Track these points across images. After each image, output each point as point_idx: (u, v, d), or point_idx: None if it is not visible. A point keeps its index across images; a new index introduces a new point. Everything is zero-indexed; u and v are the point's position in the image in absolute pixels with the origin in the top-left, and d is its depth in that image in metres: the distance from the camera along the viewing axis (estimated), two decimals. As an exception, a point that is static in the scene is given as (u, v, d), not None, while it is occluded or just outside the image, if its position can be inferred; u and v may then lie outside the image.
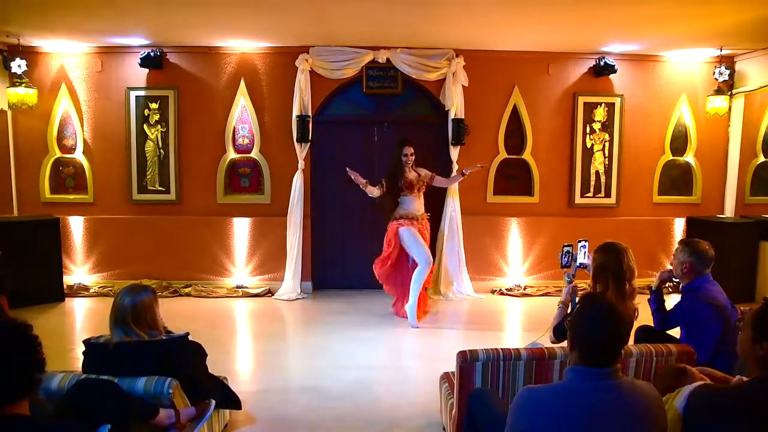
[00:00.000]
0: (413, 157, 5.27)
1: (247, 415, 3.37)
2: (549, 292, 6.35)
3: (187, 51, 6.19)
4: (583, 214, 6.54)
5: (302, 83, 6.05)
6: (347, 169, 5.14)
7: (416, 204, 5.30)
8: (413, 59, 6.09)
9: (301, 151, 6.16)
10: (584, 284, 3.43)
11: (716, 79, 6.15)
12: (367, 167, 6.18)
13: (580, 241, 3.28)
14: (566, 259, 3.25)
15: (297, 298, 6.15)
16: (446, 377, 3.17)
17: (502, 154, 6.43)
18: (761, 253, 6.09)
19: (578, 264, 3.25)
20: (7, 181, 6.16)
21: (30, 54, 5.96)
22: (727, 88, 6.24)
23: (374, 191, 5.22)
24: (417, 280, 5.17)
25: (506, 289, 6.43)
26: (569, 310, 3.09)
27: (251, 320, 5.65)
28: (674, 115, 6.53)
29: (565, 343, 2.34)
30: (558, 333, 3.03)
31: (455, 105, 6.11)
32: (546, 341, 3.23)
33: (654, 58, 6.42)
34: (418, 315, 5.27)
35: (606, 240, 3.11)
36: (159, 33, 5.67)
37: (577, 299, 3.06)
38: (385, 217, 5.37)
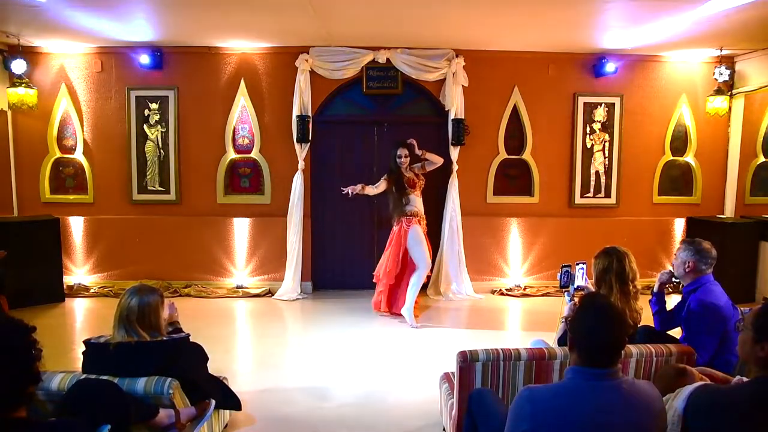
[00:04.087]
0: (408, 159, 5.29)
1: (247, 415, 3.37)
2: (549, 293, 6.35)
3: (187, 51, 6.19)
4: (583, 214, 6.54)
5: (302, 83, 6.05)
6: (342, 189, 5.16)
7: (419, 202, 5.33)
8: (413, 59, 6.09)
9: (301, 151, 6.16)
10: None
11: (716, 79, 6.15)
12: (367, 167, 6.19)
13: (578, 263, 3.30)
14: (565, 279, 3.29)
15: (297, 298, 6.15)
16: (446, 377, 3.17)
17: (502, 154, 6.43)
18: (761, 253, 6.09)
19: (576, 286, 3.28)
20: (7, 181, 6.16)
21: (30, 54, 5.96)
22: (727, 88, 6.24)
23: (372, 190, 5.24)
24: (415, 284, 5.20)
25: (506, 290, 6.43)
26: None
27: (251, 320, 5.65)
28: (674, 115, 6.53)
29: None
30: (561, 344, 3.06)
31: (455, 105, 6.11)
32: (549, 339, 3.25)
33: (654, 58, 6.42)
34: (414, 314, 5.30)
35: (606, 241, 3.14)
36: (159, 33, 5.66)
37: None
38: (393, 207, 5.30)
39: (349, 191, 5.16)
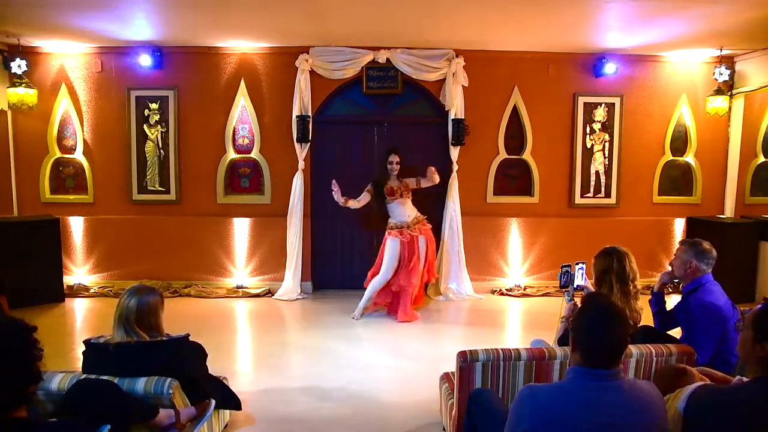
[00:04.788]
0: (398, 165, 5.36)
1: (247, 415, 3.37)
2: (549, 293, 6.35)
3: (187, 51, 6.19)
4: (583, 214, 6.54)
5: (302, 83, 6.05)
6: (333, 181, 5.26)
7: (404, 209, 5.37)
8: (413, 59, 6.08)
9: (301, 151, 6.16)
10: None
11: (716, 79, 6.15)
12: (367, 167, 6.18)
13: (577, 263, 3.31)
14: (564, 279, 3.29)
15: (297, 298, 6.15)
16: (446, 377, 3.17)
17: (502, 154, 6.42)
18: (761, 253, 6.08)
19: (576, 286, 3.28)
20: (7, 181, 6.16)
21: (30, 54, 5.96)
22: (727, 88, 6.24)
23: (354, 204, 5.35)
24: (373, 287, 5.37)
25: (506, 290, 6.43)
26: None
27: (251, 320, 5.65)
28: (674, 115, 6.53)
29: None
30: (562, 344, 3.06)
31: (455, 105, 6.11)
32: (549, 339, 3.26)
33: (654, 58, 6.42)
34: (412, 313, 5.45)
35: (606, 241, 3.14)
36: (159, 33, 5.66)
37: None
38: (373, 221, 5.49)
39: (335, 189, 5.25)
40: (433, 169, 5.43)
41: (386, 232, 5.39)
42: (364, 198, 5.40)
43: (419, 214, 5.45)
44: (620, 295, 2.97)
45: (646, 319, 3.38)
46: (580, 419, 1.70)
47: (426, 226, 5.43)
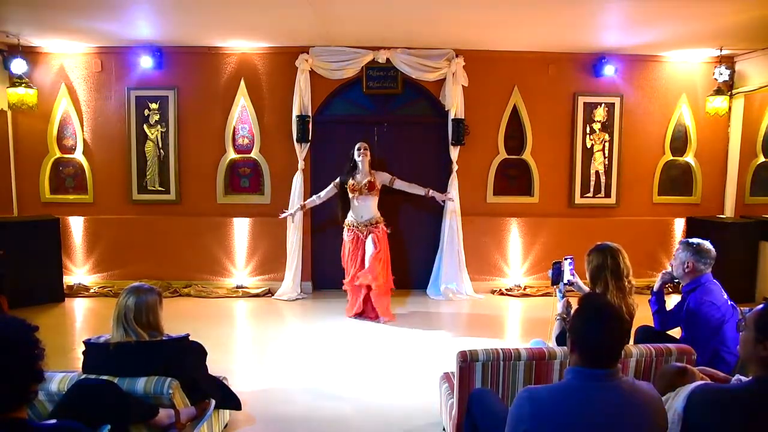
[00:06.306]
0: (367, 151, 5.40)
1: (247, 415, 3.37)
2: (549, 293, 6.34)
3: (187, 51, 6.19)
4: (583, 214, 6.54)
5: (302, 83, 6.05)
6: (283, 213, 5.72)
7: (362, 209, 5.37)
8: (413, 59, 6.08)
9: (301, 151, 6.16)
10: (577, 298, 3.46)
11: (716, 79, 6.15)
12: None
13: (566, 258, 3.30)
14: (555, 275, 3.28)
15: (297, 298, 6.16)
16: (446, 377, 3.17)
17: (502, 154, 6.42)
18: (761, 253, 6.08)
19: (565, 282, 3.26)
20: (7, 181, 6.16)
21: (30, 54, 5.96)
22: (727, 88, 6.24)
23: (315, 201, 5.63)
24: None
25: (506, 290, 6.43)
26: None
27: (251, 320, 5.65)
28: (674, 115, 6.53)
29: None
30: (560, 342, 3.05)
31: (455, 105, 6.11)
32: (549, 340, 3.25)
33: (654, 58, 6.42)
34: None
35: (605, 241, 3.13)
36: (159, 33, 5.67)
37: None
38: (341, 214, 5.56)
39: (289, 216, 5.75)
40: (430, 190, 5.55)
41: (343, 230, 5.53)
42: (329, 192, 5.54)
43: (378, 216, 5.41)
44: (616, 291, 2.95)
45: (647, 318, 3.39)
46: (580, 419, 1.69)
47: (378, 229, 5.37)
